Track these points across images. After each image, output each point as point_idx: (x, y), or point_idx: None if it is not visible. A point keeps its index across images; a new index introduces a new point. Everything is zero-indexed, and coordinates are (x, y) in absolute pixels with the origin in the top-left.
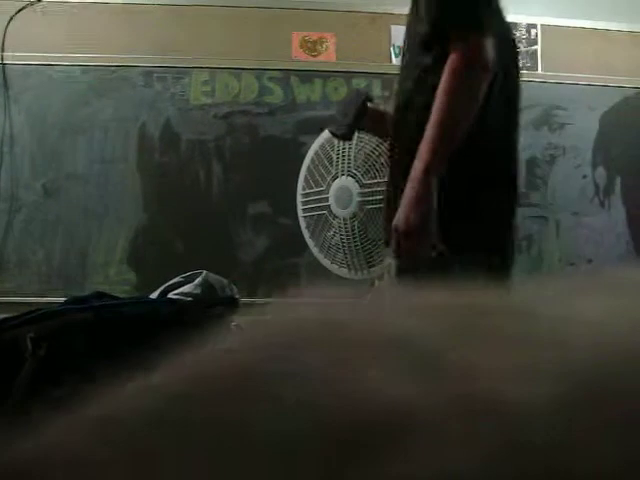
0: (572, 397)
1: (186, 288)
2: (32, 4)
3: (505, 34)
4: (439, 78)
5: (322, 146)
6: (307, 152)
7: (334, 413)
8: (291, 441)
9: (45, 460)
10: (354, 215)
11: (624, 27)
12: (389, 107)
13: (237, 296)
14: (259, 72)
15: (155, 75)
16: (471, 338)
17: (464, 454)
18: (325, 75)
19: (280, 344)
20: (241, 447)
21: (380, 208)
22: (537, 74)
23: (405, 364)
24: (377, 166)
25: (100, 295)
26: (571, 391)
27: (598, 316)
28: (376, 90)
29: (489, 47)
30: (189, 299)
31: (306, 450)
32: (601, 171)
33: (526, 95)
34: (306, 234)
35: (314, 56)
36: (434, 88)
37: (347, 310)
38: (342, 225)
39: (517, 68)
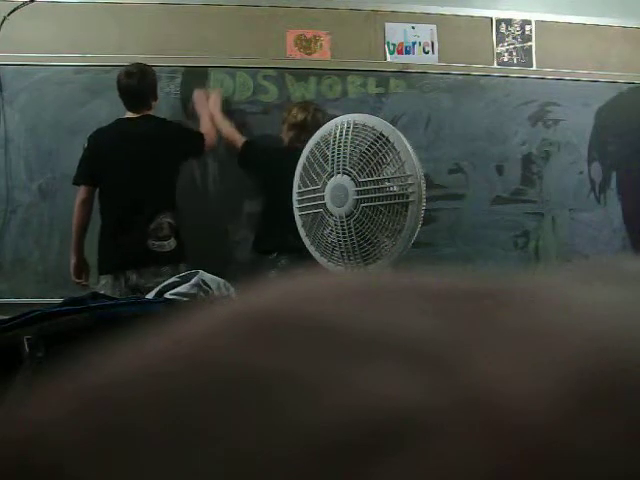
0: (577, 396)
1: (182, 288)
2: (25, 4)
3: None
4: None
5: (317, 144)
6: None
7: (328, 417)
8: (280, 451)
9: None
10: (350, 213)
11: (618, 22)
12: None
13: (234, 296)
14: (254, 71)
15: None
16: (474, 332)
17: (466, 457)
18: (320, 73)
19: (267, 336)
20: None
21: (376, 206)
22: (532, 70)
23: (403, 362)
24: (372, 164)
25: (96, 295)
26: (576, 390)
27: (603, 309)
28: (371, 87)
29: None
30: (185, 299)
31: (296, 460)
32: (597, 167)
33: (521, 91)
34: (302, 232)
35: (309, 54)
36: None
37: (336, 300)
38: (338, 223)
39: None
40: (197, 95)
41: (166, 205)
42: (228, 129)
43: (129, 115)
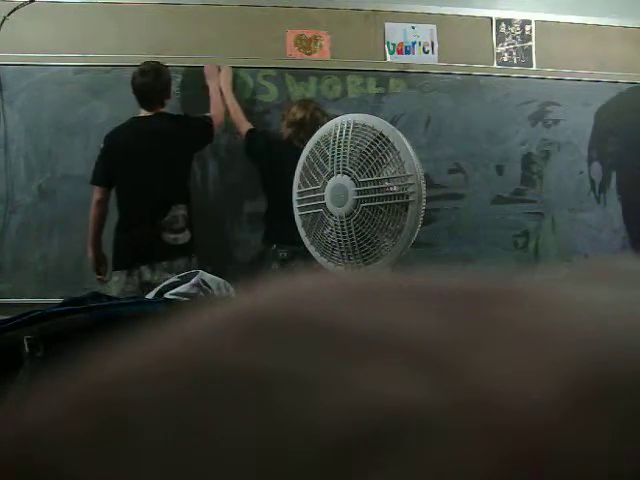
0: (577, 396)
1: (182, 288)
2: (25, 4)
3: None
4: None
5: (317, 144)
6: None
7: (329, 417)
8: (281, 449)
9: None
10: (350, 213)
11: (618, 22)
12: None
13: (234, 296)
14: (254, 70)
15: None
16: (474, 332)
17: (466, 458)
18: (320, 73)
19: (267, 337)
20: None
21: (376, 206)
22: (532, 70)
23: (403, 362)
24: (372, 164)
25: (96, 295)
26: (576, 390)
27: (603, 309)
28: (371, 87)
29: None
30: (185, 299)
31: (297, 459)
32: (597, 167)
33: (521, 91)
34: (302, 232)
35: (309, 54)
36: None
37: (337, 300)
38: (338, 223)
39: None
40: (207, 68)
41: (180, 198)
42: (236, 110)
43: (143, 113)
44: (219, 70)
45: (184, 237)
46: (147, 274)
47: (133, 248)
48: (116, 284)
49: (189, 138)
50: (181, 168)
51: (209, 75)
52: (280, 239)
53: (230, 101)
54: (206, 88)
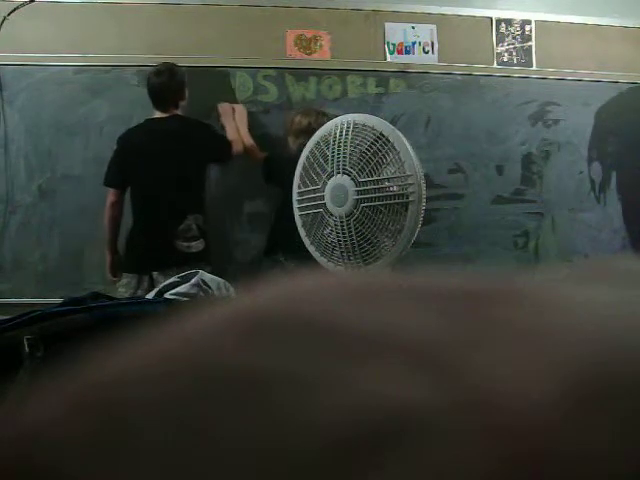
0: (577, 396)
1: (182, 288)
2: (25, 4)
3: None
4: None
5: (317, 144)
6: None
7: (329, 417)
8: (281, 449)
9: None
10: (350, 213)
11: (618, 22)
12: None
13: (234, 296)
14: (254, 70)
15: None
16: (474, 332)
17: (466, 458)
18: (320, 73)
19: (267, 336)
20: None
21: (376, 206)
22: (532, 70)
23: (403, 362)
24: (372, 164)
25: (96, 295)
26: (576, 390)
27: (603, 309)
28: (371, 87)
29: None
30: (185, 299)
31: (297, 459)
32: (597, 167)
33: (521, 91)
34: (302, 232)
35: (309, 54)
36: None
37: (336, 300)
38: (338, 223)
39: None
40: (223, 107)
41: (195, 206)
42: (253, 145)
43: (158, 115)
44: (233, 109)
45: (197, 246)
46: (160, 280)
47: (145, 253)
48: (125, 286)
49: (205, 146)
50: (195, 175)
51: (224, 114)
52: (286, 249)
53: (247, 138)
54: (207, 91)
